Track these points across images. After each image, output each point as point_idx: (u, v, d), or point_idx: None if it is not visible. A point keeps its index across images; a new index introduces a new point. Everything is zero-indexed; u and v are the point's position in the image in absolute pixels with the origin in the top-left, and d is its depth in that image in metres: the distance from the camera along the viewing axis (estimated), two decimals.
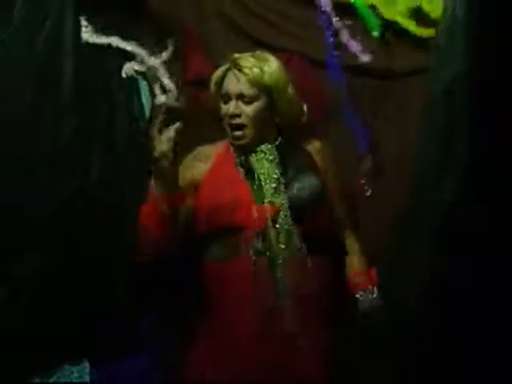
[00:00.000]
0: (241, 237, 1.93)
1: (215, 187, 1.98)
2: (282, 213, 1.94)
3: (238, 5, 2.51)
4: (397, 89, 2.49)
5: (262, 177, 1.97)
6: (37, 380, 2.30)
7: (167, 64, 2.42)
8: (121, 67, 2.38)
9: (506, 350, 1.65)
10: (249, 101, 2.01)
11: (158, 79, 2.40)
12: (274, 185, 1.97)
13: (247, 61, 2.03)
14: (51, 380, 2.35)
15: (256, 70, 2.01)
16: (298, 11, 2.52)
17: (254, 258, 1.91)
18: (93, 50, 2.33)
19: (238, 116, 2.01)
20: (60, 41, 2.28)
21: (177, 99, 2.23)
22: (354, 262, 2.12)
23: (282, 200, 1.95)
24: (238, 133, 2.02)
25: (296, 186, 1.98)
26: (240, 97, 2.02)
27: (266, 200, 1.94)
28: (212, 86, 2.11)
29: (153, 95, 2.42)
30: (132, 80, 2.42)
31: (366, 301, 2.03)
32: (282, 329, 1.90)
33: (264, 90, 2.02)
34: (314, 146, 2.14)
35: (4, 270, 2.17)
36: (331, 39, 2.42)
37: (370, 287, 2.06)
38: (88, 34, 2.32)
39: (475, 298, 1.68)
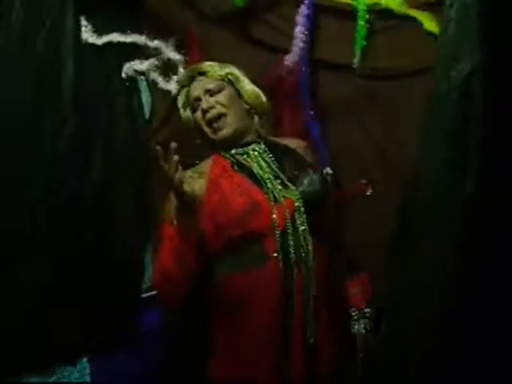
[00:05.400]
0: (264, 241, 1.88)
1: (222, 197, 1.91)
2: (298, 207, 1.91)
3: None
4: (393, 88, 2.51)
5: (264, 176, 1.96)
6: (37, 380, 2.30)
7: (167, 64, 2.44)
8: (121, 67, 2.40)
9: None
10: (217, 91, 2.05)
11: (162, 55, 2.39)
12: (278, 181, 1.96)
13: (200, 66, 2.12)
14: (51, 380, 2.35)
15: (214, 66, 2.10)
16: (296, 11, 2.52)
17: (280, 259, 1.87)
18: (93, 50, 2.34)
19: (212, 108, 2.03)
20: (60, 41, 2.28)
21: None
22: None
23: (294, 195, 1.93)
24: (218, 123, 2.01)
25: (306, 180, 1.97)
26: (207, 92, 2.06)
27: (279, 197, 1.91)
28: (181, 111, 2.14)
29: (154, 95, 2.44)
30: (132, 80, 2.42)
31: (364, 323, 2.07)
32: (311, 328, 1.87)
33: (226, 80, 2.08)
34: (298, 145, 2.15)
35: (5, 271, 2.16)
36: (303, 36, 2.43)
37: (364, 306, 2.10)
38: (88, 34, 2.32)
39: (492, 298, 1.67)
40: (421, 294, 1.78)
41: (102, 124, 2.35)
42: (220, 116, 2.02)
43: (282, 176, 1.98)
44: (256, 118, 2.10)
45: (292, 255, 1.88)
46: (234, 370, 1.87)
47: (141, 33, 2.38)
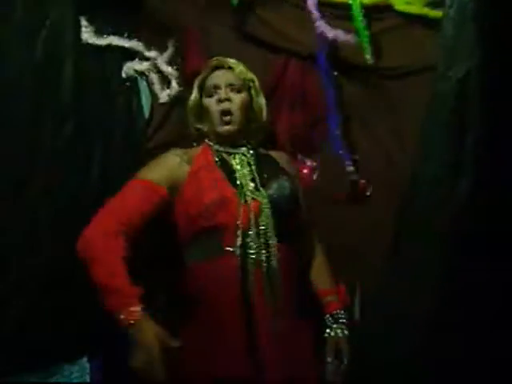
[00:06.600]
0: (224, 235, 1.98)
1: (198, 189, 2.01)
2: (263, 210, 2.01)
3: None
4: (392, 88, 2.51)
5: (242, 178, 2.06)
6: (36, 380, 2.30)
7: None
8: (121, 67, 2.40)
9: None
10: (237, 89, 2.14)
11: (157, 69, 2.41)
12: (252, 184, 2.06)
13: (231, 61, 2.19)
14: (51, 380, 2.35)
15: (241, 66, 2.19)
16: (297, 12, 2.53)
17: (239, 254, 1.96)
18: (93, 50, 2.34)
19: (228, 100, 2.11)
20: (60, 41, 2.29)
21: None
22: (325, 277, 2.19)
23: (263, 198, 2.03)
24: (227, 117, 2.10)
25: (275, 185, 2.07)
26: (230, 86, 2.14)
27: (249, 198, 2.01)
28: (195, 88, 2.21)
29: (153, 95, 2.44)
30: (132, 80, 2.43)
31: (336, 328, 2.08)
32: (271, 322, 1.94)
33: (247, 84, 2.18)
34: (281, 156, 2.26)
35: (4, 269, 2.17)
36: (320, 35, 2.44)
37: (339, 311, 2.11)
38: (88, 34, 2.33)
39: (488, 298, 1.67)
40: (414, 292, 1.79)
41: (101, 124, 2.35)
42: (229, 112, 2.11)
43: (257, 180, 2.08)
44: (254, 128, 2.20)
45: (251, 254, 1.97)
46: (197, 364, 1.92)
47: (139, 38, 2.40)
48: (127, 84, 2.41)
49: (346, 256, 2.38)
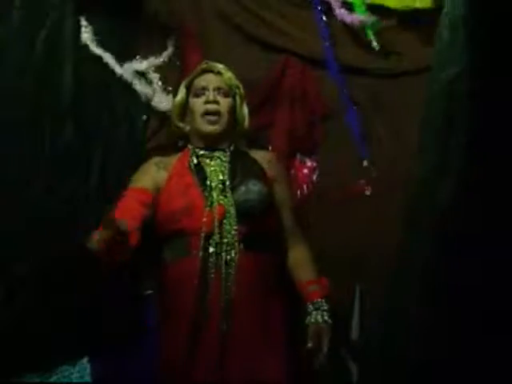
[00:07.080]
0: (191, 239, 2.03)
1: (171, 194, 2.08)
2: (228, 214, 2.04)
3: (238, 5, 2.52)
4: (395, 88, 2.52)
5: (213, 182, 2.09)
6: (37, 380, 2.30)
7: (166, 65, 2.45)
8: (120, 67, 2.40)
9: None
10: (224, 94, 2.17)
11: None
12: (220, 186, 2.08)
13: (220, 66, 2.22)
14: (51, 380, 2.35)
15: (229, 73, 2.21)
16: (297, 12, 2.54)
17: (200, 256, 2.01)
18: (92, 51, 2.34)
19: (216, 103, 2.14)
20: (60, 41, 2.30)
21: None
22: (307, 271, 2.18)
23: (228, 202, 2.06)
24: (214, 117, 2.13)
25: (242, 189, 2.07)
26: (217, 89, 2.17)
27: (214, 203, 2.05)
28: (182, 88, 2.23)
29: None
30: (131, 81, 2.43)
31: (316, 315, 2.08)
32: (227, 324, 1.98)
33: (233, 90, 2.20)
34: (264, 156, 2.25)
35: (4, 269, 2.17)
36: (326, 33, 2.49)
37: (320, 299, 2.11)
38: (88, 35, 2.33)
39: (474, 299, 1.68)
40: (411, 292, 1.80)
41: (101, 123, 2.36)
42: (217, 113, 2.13)
43: (227, 183, 2.09)
44: (236, 134, 2.21)
45: (212, 257, 2.01)
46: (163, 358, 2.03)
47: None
48: (126, 85, 2.41)
49: (346, 256, 2.38)
